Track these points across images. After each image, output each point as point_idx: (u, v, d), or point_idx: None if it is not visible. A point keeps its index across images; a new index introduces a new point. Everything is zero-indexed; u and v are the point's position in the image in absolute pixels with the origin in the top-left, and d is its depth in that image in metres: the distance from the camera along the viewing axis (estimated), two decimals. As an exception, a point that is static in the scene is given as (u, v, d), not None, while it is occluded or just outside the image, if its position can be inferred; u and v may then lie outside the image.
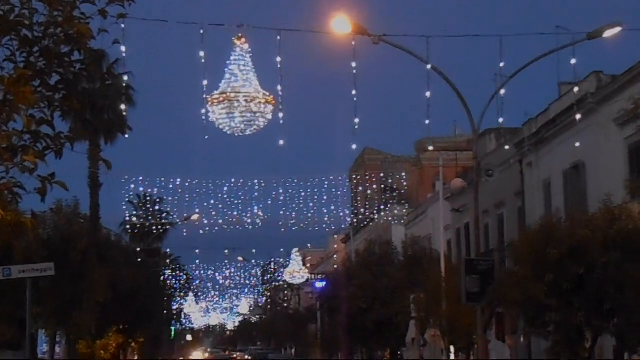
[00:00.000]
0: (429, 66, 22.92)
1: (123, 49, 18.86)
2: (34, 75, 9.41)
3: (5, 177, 9.17)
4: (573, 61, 23.12)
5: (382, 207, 58.77)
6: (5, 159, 9.03)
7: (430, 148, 27.74)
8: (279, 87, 22.61)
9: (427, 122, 23.53)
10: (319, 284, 66.83)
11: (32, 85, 9.28)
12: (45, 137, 9.38)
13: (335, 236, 76.84)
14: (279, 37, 21.64)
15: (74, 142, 9.65)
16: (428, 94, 22.92)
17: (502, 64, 23.24)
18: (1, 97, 9.11)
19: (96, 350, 39.52)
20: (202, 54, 21.77)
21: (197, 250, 76.85)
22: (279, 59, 21.78)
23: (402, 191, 59.64)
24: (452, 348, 33.84)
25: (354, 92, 22.32)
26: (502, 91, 23.81)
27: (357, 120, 23.20)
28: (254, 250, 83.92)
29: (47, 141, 9.37)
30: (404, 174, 54.78)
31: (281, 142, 23.24)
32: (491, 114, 25.46)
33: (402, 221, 57.07)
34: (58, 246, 29.17)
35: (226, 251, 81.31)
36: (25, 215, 9.79)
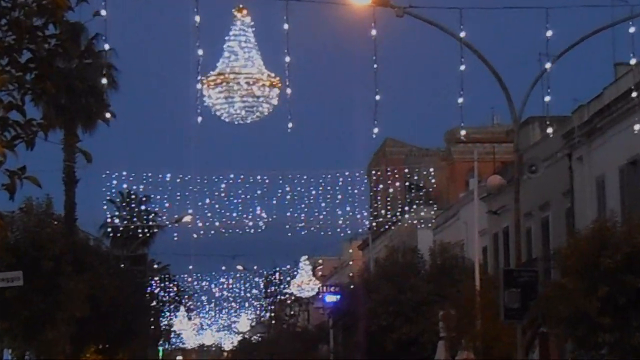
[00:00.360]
0: (462, 43, 22.93)
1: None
2: (2, 53, 9.44)
3: (-32, 172, 9.21)
4: (632, 33, 23.08)
5: (406, 208, 58.72)
6: (-32, 150, 9.07)
7: (463, 132, 27.60)
8: (286, 65, 22.66)
9: (460, 106, 23.53)
10: (331, 298, 66.84)
11: (-1, 64, 9.32)
12: (14, 124, 9.40)
13: (351, 247, 76.71)
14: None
15: (48, 130, 9.68)
16: (461, 75, 22.93)
17: (548, 42, 23.25)
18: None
19: (71, 373, 39.65)
20: (197, 22, 21.74)
21: (191, 267, 77.16)
22: (286, 26, 21.74)
23: (430, 189, 59.58)
24: (487, 373, 33.87)
25: (374, 73, 22.34)
26: (548, 72, 23.82)
27: (377, 106, 23.24)
28: (255, 266, 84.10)
29: (17, 129, 9.41)
30: (431, 169, 54.71)
31: (290, 124, 23.23)
32: (535, 100, 25.42)
33: (430, 225, 57.04)
34: (28, 252, 29.30)
35: (224, 267, 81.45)
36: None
